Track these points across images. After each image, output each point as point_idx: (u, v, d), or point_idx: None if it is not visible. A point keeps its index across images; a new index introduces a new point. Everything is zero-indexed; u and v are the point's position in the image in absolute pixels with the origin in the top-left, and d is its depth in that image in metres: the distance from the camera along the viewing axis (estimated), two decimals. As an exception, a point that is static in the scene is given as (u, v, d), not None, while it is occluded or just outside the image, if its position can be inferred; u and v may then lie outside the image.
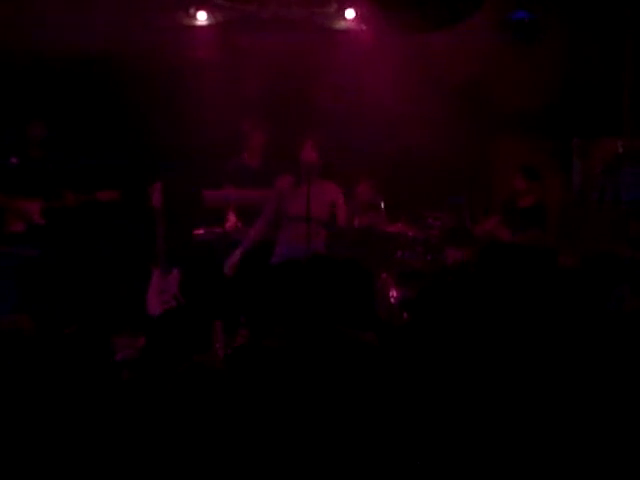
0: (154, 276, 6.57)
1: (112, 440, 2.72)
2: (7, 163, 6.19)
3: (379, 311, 6.50)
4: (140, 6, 6.80)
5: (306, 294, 3.48)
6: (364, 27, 7.20)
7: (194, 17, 7.21)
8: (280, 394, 2.82)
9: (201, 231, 6.50)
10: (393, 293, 6.41)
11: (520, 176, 6.42)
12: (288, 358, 3.04)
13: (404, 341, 3.51)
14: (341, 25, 7.33)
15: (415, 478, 2.67)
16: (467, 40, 6.71)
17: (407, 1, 4.74)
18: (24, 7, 6.52)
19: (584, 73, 7.21)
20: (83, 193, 6.40)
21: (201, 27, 7.23)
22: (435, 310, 3.75)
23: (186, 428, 2.66)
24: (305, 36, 7.18)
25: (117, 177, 6.74)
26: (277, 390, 2.85)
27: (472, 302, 3.71)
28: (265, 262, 6.05)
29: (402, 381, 3.01)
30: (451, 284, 3.92)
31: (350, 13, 7.24)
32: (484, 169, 7.47)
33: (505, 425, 2.81)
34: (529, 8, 7.14)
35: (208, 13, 7.21)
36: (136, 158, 6.95)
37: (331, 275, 3.81)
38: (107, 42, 6.73)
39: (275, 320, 3.41)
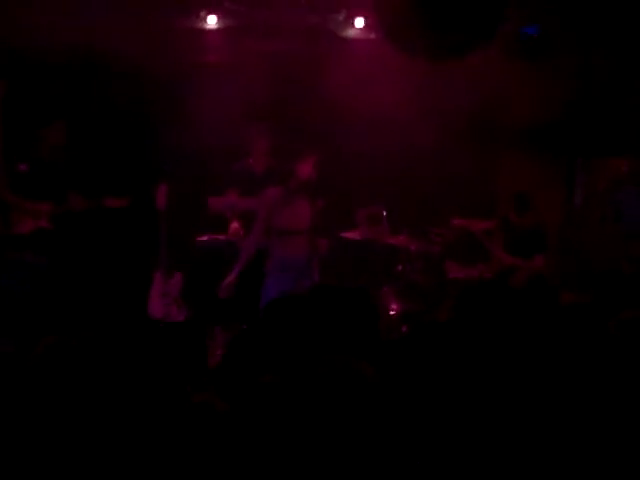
0: (156, 279, 6.63)
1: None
2: (16, 170, 6.26)
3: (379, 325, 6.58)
4: (150, 8, 6.80)
5: (308, 326, 3.50)
6: (373, 36, 7.21)
7: (204, 20, 7.21)
8: (278, 428, 2.86)
9: (205, 237, 6.55)
10: (393, 306, 6.48)
11: (513, 207, 6.40)
12: (285, 393, 3.07)
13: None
14: (350, 33, 7.35)
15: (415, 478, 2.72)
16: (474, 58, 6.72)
17: (414, 30, 4.74)
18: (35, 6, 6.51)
19: (592, 91, 7.23)
20: (91, 198, 6.44)
21: (211, 31, 7.24)
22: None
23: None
24: (314, 43, 7.18)
25: (124, 179, 6.77)
26: (276, 424, 2.88)
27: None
28: (259, 273, 6.08)
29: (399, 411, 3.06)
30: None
31: (360, 22, 7.25)
32: (489, 185, 7.49)
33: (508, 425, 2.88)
34: (539, 24, 7.14)
35: (219, 17, 7.21)
36: (143, 160, 6.97)
37: (336, 306, 3.84)
38: (113, 43, 6.73)
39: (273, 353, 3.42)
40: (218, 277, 6.46)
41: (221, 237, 6.54)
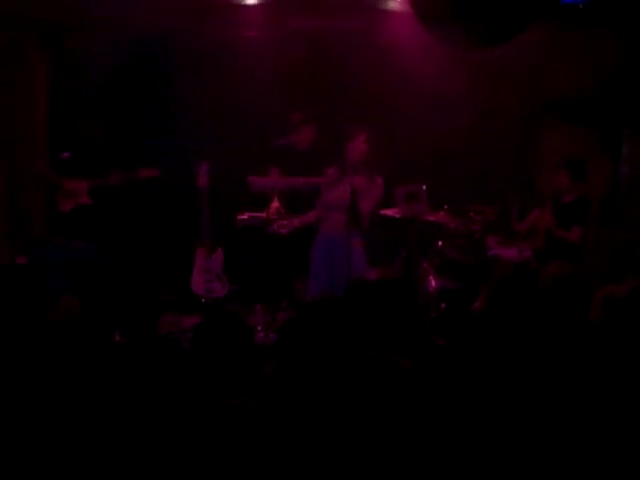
0: (198, 255, 6.74)
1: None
2: (59, 157, 6.45)
3: (418, 300, 6.60)
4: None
5: (347, 322, 3.54)
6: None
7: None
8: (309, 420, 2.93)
9: (245, 216, 6.58)
10: (432, 283, 6.48)
11: (564, 172, 6.29)
12: (321, 385, 3.14)
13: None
14: (392, 6, 7.24)
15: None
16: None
17: (450, 18, 4.69)
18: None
19: (637, 61, 7.05)
20: (126, 172, 6.57)
21: (252, 6, 7.18)
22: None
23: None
24: (355, 17, 7.10)
25: (164, 157, 6.86)
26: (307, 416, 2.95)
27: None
28: (307, 249, 6.17)
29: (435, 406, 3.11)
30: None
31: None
32: (532, 161, 7.38)
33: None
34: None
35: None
36: (184, 137, 7.02)
37: (373, 298, 3.87)
38: (156, 19, 6.74)
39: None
40: (258, 255, 6.56)
41: (261, 215, 6.56)
